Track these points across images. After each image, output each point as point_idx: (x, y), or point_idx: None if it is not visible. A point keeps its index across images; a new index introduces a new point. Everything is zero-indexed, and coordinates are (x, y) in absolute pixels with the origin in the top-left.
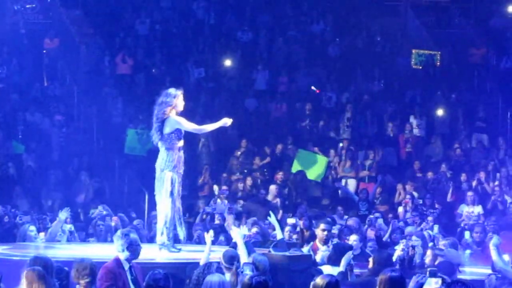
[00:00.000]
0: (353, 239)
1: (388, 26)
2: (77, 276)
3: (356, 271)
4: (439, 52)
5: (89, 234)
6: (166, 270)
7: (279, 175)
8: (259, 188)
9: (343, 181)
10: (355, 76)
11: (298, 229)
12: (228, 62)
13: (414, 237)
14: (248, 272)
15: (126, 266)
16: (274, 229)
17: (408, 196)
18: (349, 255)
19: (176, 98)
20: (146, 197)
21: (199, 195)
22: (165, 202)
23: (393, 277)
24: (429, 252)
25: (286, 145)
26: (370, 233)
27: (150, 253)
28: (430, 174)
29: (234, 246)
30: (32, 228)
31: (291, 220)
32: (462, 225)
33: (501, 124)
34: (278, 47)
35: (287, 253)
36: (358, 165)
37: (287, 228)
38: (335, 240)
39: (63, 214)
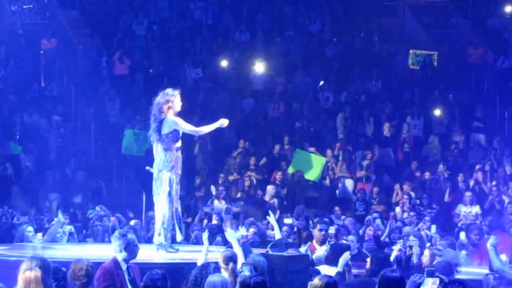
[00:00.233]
0: (350, 239)
1: (386, 26)
2: (74, 277)
3: (354, 271)
4: (437, 52)
5: (86, 235)
6: (164, 271)
7: (277, 175)
8: (257, 188)
9: (340, 181)
10: (353, 76)
11: (295, 229)
12: (225, 63)
13: (411, 237)
14: (246, 273)
15: (124, 267)
16: (271, 229)
17: (405, 196)
18: (346, 255)
19: (174, 98)
20: (144, 197)
21: (197, 195)
22: (163, 203)
23: (393, 277)
24: (426, 252)
25: (284, 145)
26: (369, 232)
27: (148, 254)
28: (427, 174)
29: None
30: (30, 228)
31: (288, 220)
32: (459, 225)
33: (498, 124)
34: (276, 48)
35: (285, 253)
36: (356, 165)
37: (284, 228)
38: (333, 241)
39: (61, 216)
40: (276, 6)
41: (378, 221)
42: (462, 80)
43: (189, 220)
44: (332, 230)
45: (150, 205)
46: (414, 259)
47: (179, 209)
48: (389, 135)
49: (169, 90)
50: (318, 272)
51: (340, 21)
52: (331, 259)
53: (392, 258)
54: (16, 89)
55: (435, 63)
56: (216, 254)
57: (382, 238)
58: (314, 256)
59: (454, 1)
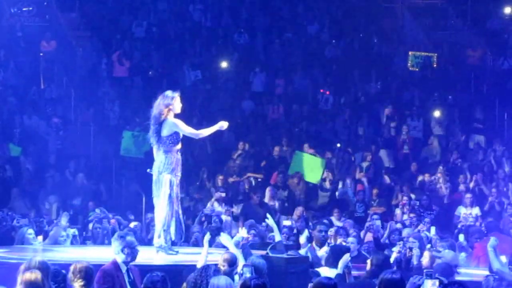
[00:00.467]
0: (350, 241)
1: (385, 28)
2: (73, 279)
3: (354, 273)
4: (436, 54)
5: (86, 237)
6: (164, 273)
7: (278, 178)
8: (256, 190)
9: (340, 183)
10: (352, 78)
11: (294, 231)
12: (224, 64)
13: (411, 239)
14: (247, 274)
15: (124, 269)
16: (271, 231)
17: (405, 198)
18: (346, 257)
19: (173, 100)
20: (144, 199)
21: (196, 197)
22: (163, 205)
23: (393, 279)
24: (426, 253)
25: (283, 147)
26: (368, 236)
27: (148, 256)
28: (427, 176)
29: None
30: (31, 231)
31: (287, 222)
32: (459, 226)
33: (498, 125)
34: (275, 49)
35: (284, 255)
36: (355, 167)
37: (284, 230)
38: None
39: (64, 219)
40: (275, 8)
41: (378, 222)
42: (462, 81)
43: (189, 222)
44: (331, 231)
45: (150, 207)
46: (414, 261)
47: (180, 211)
48: (389, 136)
49: (168, 92)
50: (318, 274)
51: (339, 22)
52: (331, 261)
53: (392, 260)
54: (16, 91)
55: (435, 65)
56: (216, 256)
57: (382, 240)
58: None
59: (453, 3)
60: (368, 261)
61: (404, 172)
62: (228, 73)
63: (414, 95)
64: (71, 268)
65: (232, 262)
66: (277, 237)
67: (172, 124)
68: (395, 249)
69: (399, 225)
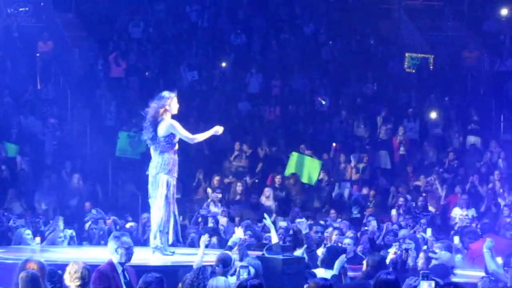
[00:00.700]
0: (347, 242)
1: (382, 29)
2: (70, 279)
3: (350, 274)
4: (433, 55)
5: (82, 238)
6: (160, 273)
7: (277, 179)
8: (252, 191)
9: (336, 184)
10: (349, 79)
11: (290, 232)
12: (221, 65)
13: (407, 240)
14: (244, 275)
15: (120, 269)
16: (267, 232)
17: (401, 199)
18: (342, 258)
19: (170, 101)
20: (140, 200)
21: (193, 198)
22: (160, 206)
23: (388, 280)
24: (421, 255)
25: (280, 148)
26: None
27: (144, 256)
28: (423, 177)
29: (229, 249)
30: (28, 232)
31: (283, 223)
32: (455, 228)
33: (494, 127)
34: (272, 50)
35: (280, 256)
36: (352, 168)
37: (280, 231)
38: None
39: (61, 223)
40: (272, 9)
41: (374, 223)
42: (458, 83)
43: (186, 222)
44: (328, 233)
45: (146, 208)
46: (410, 262)
47: (176, 212)
48: (385, 138)
49: (165, 93)
50: (314, 275)
51: (336, 24)
52: (327, 262)
53: (388, 261)
54: (12, 91)
55: (431, 66)
56: (212, 257)
57: (378, 241)
58: None
59: (450, 4)
60: (364, 262)
61: (400, 173)
62: (224, 74)
63: (411, 97)
64: (68, 268)
65: (226, 263)
66: (274, 238)
67: (169, 125)
68: (391, 250)
69: (395, 226)
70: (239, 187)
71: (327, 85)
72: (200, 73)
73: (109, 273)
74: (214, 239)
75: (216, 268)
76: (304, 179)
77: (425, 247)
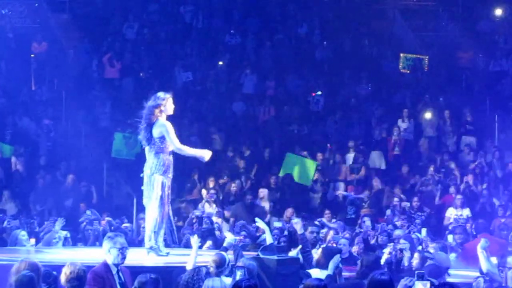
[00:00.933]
0: (342, 242)
1: (376, 30)
2: (65, 280)
3: (345, 274)
4: (427, 56)
5: (77, 239)
6: (155, 274)
7: (272, 179)
8: (247, 192)
9: (331, 185)
10: (343, 79)
11: (285, 232)
12: (215, 66)
13: (402, 240)
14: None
15: (114, 270)
16: (262, 233)
17: (396, 199)
18: (337, 258)
19: (165, 102)
20: (135, 201)
21: (187, 199)
22: (155, 206)
23: (382, 280)
24: (416, 255)
25: (274, 148)
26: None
27: (139, 257)
28: (418, 177)
29: (225, 250)
30: (24, 233)
31: (277, 224)
32: (450, 228)
33: (488, 127)
34: (266, 51)
35: (275, 257)
36: (346, 169)
37: (274, 232)
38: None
39: (58, 225)
40: (266, 10)
41: (368, 223)
42: (453, 83)
43: (180, 223)
44: (323, 233)
45: (141, 209)
46: (405, 262)
47: (170, 213)
48: (380, 138)
49: (161, 94)
50: (308, 275)
51: (330, 24)
52: (322, 262)
53: (382, 261)
54: (7, 92)
55: (426, 67)
56: (206, 257)
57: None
58: None
59: (444, 5)
60: (359, 262)
61: (395, 174)
62: (219, 75)
63: (405, 97)
64: (64, 269)
65: (220, 264)
66: (269, 239)
67: (164, 128)
68: (386, 251)
69: (390, 227)
70: (233, 187)
71: (321, 85)
72: (195, 73)
73: (103, 274)
74: (209, 241)
75: (211, 268)
76: (299, 180)
77: (420, 247)
